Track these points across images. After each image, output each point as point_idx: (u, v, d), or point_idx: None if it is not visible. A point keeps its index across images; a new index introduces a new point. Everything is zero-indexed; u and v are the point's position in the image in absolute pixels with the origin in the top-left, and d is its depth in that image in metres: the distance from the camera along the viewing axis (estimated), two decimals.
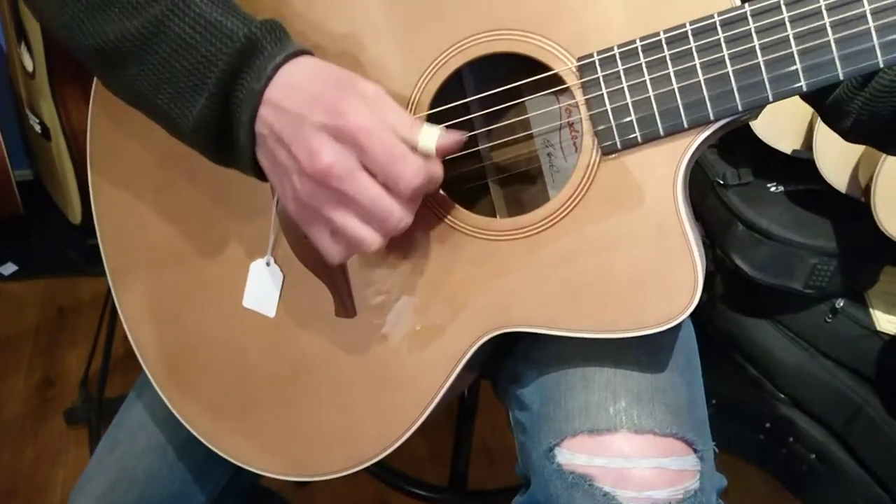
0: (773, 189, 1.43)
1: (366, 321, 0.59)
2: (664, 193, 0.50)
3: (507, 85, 0.56)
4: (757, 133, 1.36)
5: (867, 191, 1.20)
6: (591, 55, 0.50)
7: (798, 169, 1.35)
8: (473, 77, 0.61)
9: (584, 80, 0.50)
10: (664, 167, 0.50)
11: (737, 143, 1.46)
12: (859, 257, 1.31)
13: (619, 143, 0.50)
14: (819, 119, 1.20)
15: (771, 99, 0.47)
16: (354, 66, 0.56)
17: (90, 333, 1.44)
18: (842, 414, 1.38)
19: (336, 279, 0.58)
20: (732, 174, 1.45)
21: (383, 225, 0.48)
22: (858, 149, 1.22)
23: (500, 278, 0.55)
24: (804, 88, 0.46)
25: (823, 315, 1.37)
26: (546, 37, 0.51)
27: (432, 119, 0.55)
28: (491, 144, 0.62)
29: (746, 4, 0.46)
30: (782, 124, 1.35)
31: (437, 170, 0.50)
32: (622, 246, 0.51)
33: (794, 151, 1.36)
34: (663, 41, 0.48)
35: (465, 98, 0.58)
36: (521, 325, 0.54)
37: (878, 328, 1.33)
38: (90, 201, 0.68)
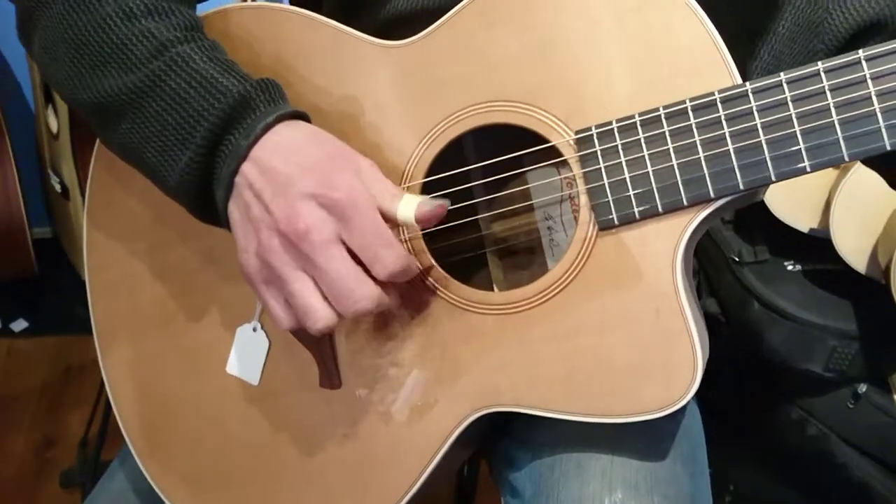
0: (790, 268, 1.40)
1: (351, 394, 0.56)
2: (663, 272, 0.48)
3: (507, 155, 0.55)
4: (773, 211, 1.34)
5: (887, 272, 1.17)
6: (589, 128, 0.49)
7: (816, 247, 1.32)
8: (475, 146, 0.60)
9: (581, 153, 0.49)
10: (663, 245, 0.48)
11: (753, 219, 1.44)
12: (881, 340, 1.26)
13: (616, 219, 0.48)
14: (836, 197, 1.18)
15: (773, 178, 0.45)
16: (352, 131, 0.55)
17: (95, 394, 1.42)
18: None
19: (322, 348, 0.56)
20: (748, 251, 1.42)
21: (341, 302, 0.46)
22: (877, 229, 1.20)
23: (491, 354, 0.52)
24: (808, 169, 0.44)
25: (846, 400, 1.32)
26: (544, 109, 0.51)
27: (432, 187, 0.54)
28: (490, 214, 0.61)
29: (748, 83, 0.45)
30: (799, 202, 1.33)
31: (415, 263, 0.50)
32: (618, 326, 0.49)
33: (811, 230, 1.33)
34: (663, 116, 0.47)
35: (466, 166, 0.57)
36: (512, 404, 0.52)
37: None
38: None
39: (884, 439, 1.28)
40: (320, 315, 0.47)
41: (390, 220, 0.48)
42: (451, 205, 0.55)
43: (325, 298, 0.47)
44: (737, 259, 1.42)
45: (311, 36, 0.57)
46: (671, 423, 0.57)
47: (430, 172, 0.54)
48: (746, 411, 1.44)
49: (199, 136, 0.49)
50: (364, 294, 0.46)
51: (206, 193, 0.51)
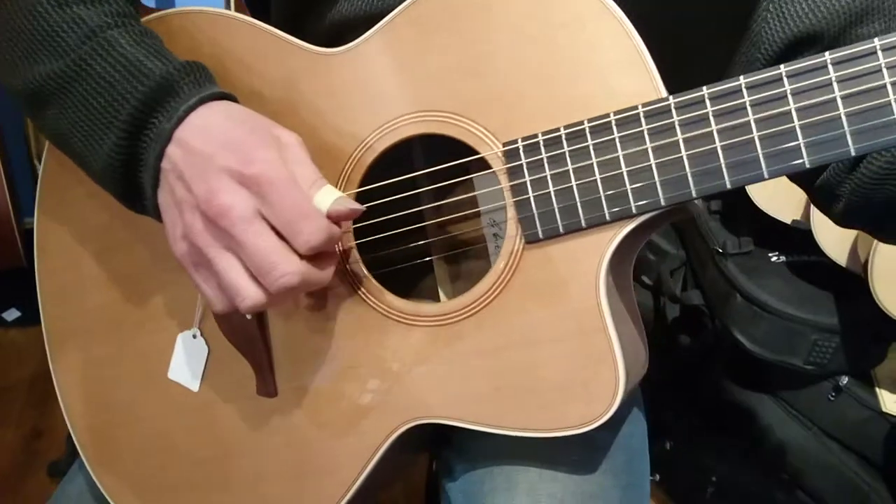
0: (774, 259, 1.38)
1: (287, 402, 0.57)
2: (587, 288, 0.47)
3: (449, 163, 0.54)
4: (756, 202, 1.32)
5: (866, 266, 1.16)
6: (515, 141, 0.48)
7: (801, 239, 1.31)
8: (423, 152, 0.59)
9: (508, 165, 0.49)
10: (587, 260, 0.47)
11: (739, 210, 1.43)
12: (862, 334, 1.25)
13: (541, 233, 0.48)
14: None
15: (694, 195, 0.44)
16: (299, 132, 0.55)
17: None
18: (850, 500, 1.30)
19: (258, 355, 0.56)
20: (733, 243, 1.41)
21: (266, 278, 0.45)
22: None
23: (421, 367, 0.52)
24: (728, 185, 0.44)
25: (826, 393, 1.31)
26: (475, 121, 0.50)
27: (377, 193, 0.54)
28: (436, 221, 0.61)
29: (671, 97, 0.45)
30: (782, 194, 1.32)
31: (337, 231, 0.48)
32: (543, 341, 0.49)
33: (793, 222, 1.32)
34: (587, 130, 0.46)
35: (413, 172, 0.56)
36: (440, 417, 0.52)
37: (884, 409, 1.26)
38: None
39: (864, 432, 1.27)
40: (246, 293, 0.46)
41: None
42: (397, 211, 0.55)
43: (253, 276, 0.46)
44: (720, 251, 1.40)
45: (252, 42, 0.57)
46: (605, 433, 0.56)
47: (365, 179, 0.54)
48: (729, 402, 1.43)
49: (121, 119, 0.48)
50: (287, 269, 0.45)
51: (132, 179, 0.50)
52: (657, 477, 1.54)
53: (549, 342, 0.48)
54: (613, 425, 0.59)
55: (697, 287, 1.50)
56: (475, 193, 0.61)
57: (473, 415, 0.51)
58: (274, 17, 0.67)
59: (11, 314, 1.79)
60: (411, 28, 0.51)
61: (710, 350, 1.45)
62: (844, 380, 1.29)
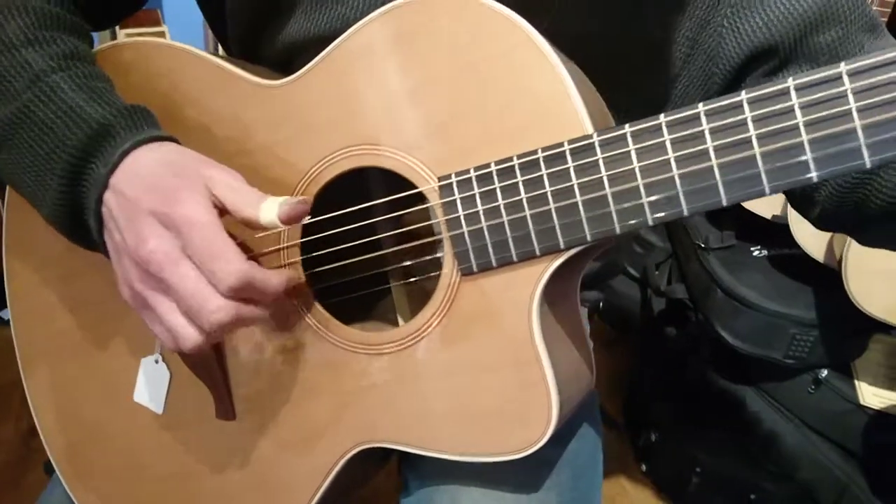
0: (755, 253, 1.39)
1: (246, 425, 0.59)
2: (520, 320, 0.49)
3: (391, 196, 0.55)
4: None
5: (841, 261, 1.16)
6: (449, 176, 0.50)
7: (782, 233, 1.31)
8: (382, 179, 0.60)
9: (443, 200, 0.50)
10: (520, 293, 0.49)
11: None
12: (841, 328, 1.26)
13: (475, 266, 0.49)
14: None
15: (618, 231, 0.45)
16: (237, 168, 0.56)
17: None
18: (830, 491, 1.32)
19: (216, 381, 0.58)
20: (715, 237, 1.42)
21: (198, 318, 0.46)
22: None
23: (370, 393, 0.54)
24: (650, 223, 0.45)
25: (807, 386, 1.33)
26: (412, 154, 0.51)
27: (333, 222, 0.55)
28: (394, 250, 0.62)
29: (595, 133, 0.46)
30: None
31: (270, 279, 0.48)
32: (479, 370, 0.50)
33: (773, 217, 1.32)
34: (517, 166, 0.47)
35: (369, 200, 0.57)
36: (387, 441, 0.53)
37: (863, 402, 1.27)
38: None
39: (843, 424, 1.29)
40: (185, 334, 0.47)
41: (258, 227, 0.48)
42: (352, 240, 0.56)
43: (186, 315, 0.47)
44: (703, 245, 1.41)
45: (198, 73, 0.58)
46: (551, 450, 0.58)
47: (312, 210, 0.55)
48: (713, 395, 1.45)
49: (61, 166, 0.50)
50: (214, 307, 0.45)
51: (79, 222, 0.52)
52: (644, 467, 1.57)
53: (486, 371, 0.50)
54: (560, 442, 0.60)
55: (682, 280, 1.51)
56: (432, 222, 0.62)
57: (417, 439, 0.52)
58: (230, 39, 0.68)
59: (7, 313, 1.82)
60: (348, 61, 0.52)
61: (695, 343, 1.47)
62: (824, 373, 1.31)
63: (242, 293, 0.46)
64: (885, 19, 1.21)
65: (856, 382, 1.31)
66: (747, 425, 1.40)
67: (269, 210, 0.47)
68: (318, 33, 0.59)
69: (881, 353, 1.34)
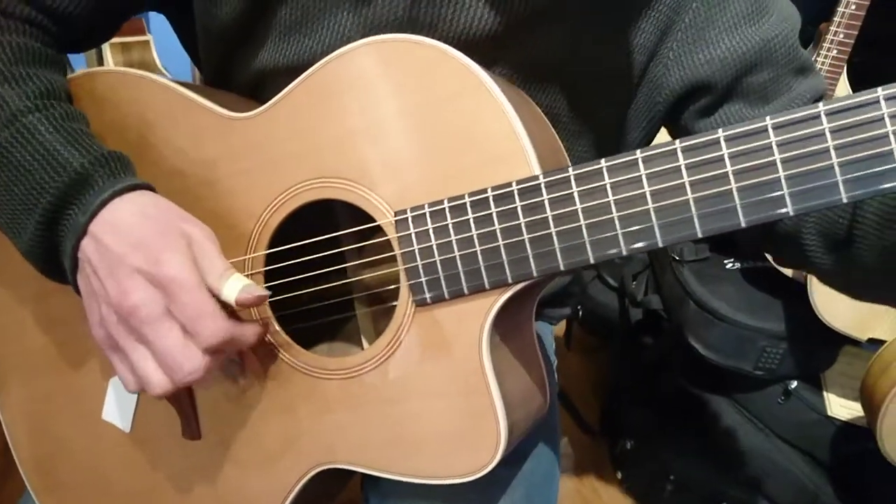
0: (729, 266, 1.42)
1: (211, 446, 0.60)
2: (470, 350, 0.51)
3: (352, 229, 0.57)
4: None
5: (806, 276, 1.19)
6: (405, 211, 0.52)
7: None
8: (350, 211, 0.62)
9: (399, 234, 0.52)
10: (471, 324, 0.51)
11: None
12: (808, 341, 1.29)
13: (428, 298, 0.51)
14: None
15: (562, 268, 0.47)
16: (205, 197, 0.58)
17: None
18: (799, 500, 1.35)
19: (182, 401, 0.60)
20: (690, 250, 1.44)
21: (172, 374, 0.49)
22: None
23: (328, 416, 0.56)
24: (591, 261, 0.47)
25: (777, 397, 1.35)
26: (370, 188, 0.53)
27: (308, 249, 0.56)
28: (357, 279, 0.64)
29: (541, 175, 0.48)
30: None
31: (246, 333, 0.52)
32: (432, 397, 0.52)
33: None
34: (468, 204, 0.49)
35: (335, 229, 0.59)
36: (346, 462, 0.55)
37: (830, 413, 1.30)
38: None
39: (811, 434, 1.32)
40: (156, 383, 0.50)
41: (217, 295, 0.51)
42: (318, 267, 0.57)
43: (160, 367, 0.50)
44: (677, 258, 1.44)
45: (167, 104, 0.59)
46: (505, 470, 0.60)
47: (274, 239, 0.57)
48: (687, 404, 1.48)
49: (39, 211, 0.52)
50: (191, 367, 0.49)
51: (54, 262, 0.54)
52: (620, 475, 1.59)
53: (439, 397, 0.52)
54: (513, 462, 0.62)
55: (657, 291, 1.54)
56: (390, 254, 0.64)
57: (373, 461, 0.54)
58: (203, 65, 0.70)
59: None
60: (311, 96, 0.54)
61: (669, 353, 1.49)
62: (794, 384, 1.34)
63: (222, 348, 0.50)
64: (845, 58, 1.24)
65: (825, 394, 1.34)
66: (719, 434, 1.43)
67: (231, 288, 0.50)
68: (286, 64, 0.61)
69: (850, 366, 1.36)
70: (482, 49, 0.56)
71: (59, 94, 0.58)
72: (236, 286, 0.50)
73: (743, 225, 0.43)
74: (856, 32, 1.20)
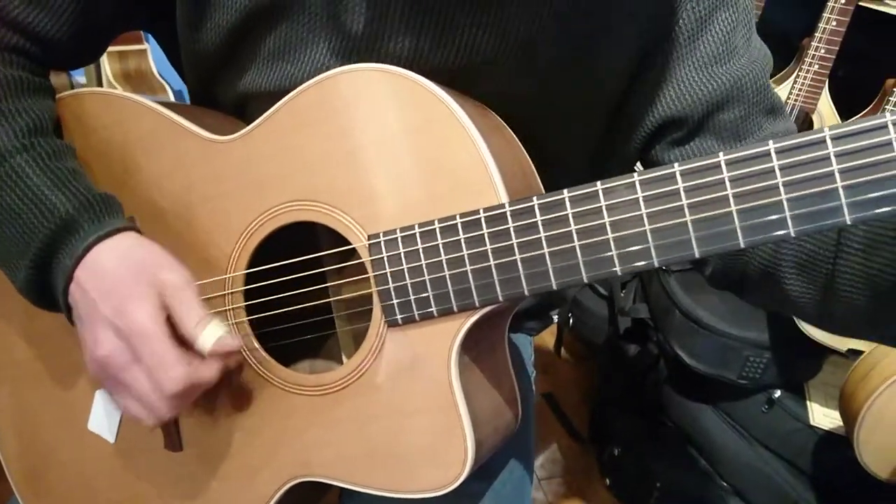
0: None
1: (192, 458, 0.62)
2: (440, 370, 0.53)
3: (328, 251, 0.59)
4: None
5: None
6: (378, 235, 0.53)
7: None
8: (329, 232, 0.63)
9: (372, 257, 0.54)
10: (440, 345, 0.53)
11: None
12: (791, 351, 1.31)
13: (399, 319, 0.53)
14: None
15: (526, 294, 0.49)
16: (185, 219, 0.60)
17: None
18: None
19: None
20: None
21: (150, 413, 0.53)
22: None
23: (304, 431, 0.58)
24: (554, 287, 0.49)
25: (760, 405, 1.37)
26: (345, 212, 0.55)
27: (288, 268, 0.58)
28: (340, 297, 0.65)
29: (507, 203, 0.49)
30: None
31: (207, 374, 0.54)
32: (403, 415, 0.54)
33: None
34: (437, 230, 0.51)
35: (318, 250, 0.60)
36: (321, 476, 0.57)
37: (813, 422, 1.32)
38: None
39: (794, 443, 1.33)
40: (144, 420, 0.54)
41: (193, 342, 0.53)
42: (297, 286, 0.59)
43: (143, 406, 0.54)
44: (664, 267, 1.46)
45: (151, 126, 0.61)
46: (475, 483, 0.62)
47: (254, 259, 0.59)
48: (672, 411, 1.50)
49: (30, 255, 0.54)
50: (163, 410, 0.53)
51: (48, 298, 0.57)
52: (608, 481, 1.61)
53: (408, 415, 0.54)
54: (484, 477, 0.64)
55: (645, 300, 1.56)
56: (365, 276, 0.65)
57: (347, 475, 0.56)
58: (188, 84, 0.72)
59: None
60: (290, 121, 0.56)
61: (655, 361, 1.51)
62: (777, 393, 1.35)
63: (186, 393, 0.52)
64: (827, 73, 1.25)
65: (808, 403, 1.36)
66: (704, 442, 1.45)
67: (207, 338, 0.53)
68: (269, 89, 0.62)
69: (833, 375, 1.38)
70: (454, 82, 0.58)
71: (45, 126, 0.60)
72: (211, 337, 0.53)
73: (697, 256, 0.45)
74: (836, 48, 1.22)
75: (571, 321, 1.80)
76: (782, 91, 1.33)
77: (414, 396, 0.54)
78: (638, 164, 0.69)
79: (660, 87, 0.61)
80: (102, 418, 0.66)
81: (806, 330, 1.21)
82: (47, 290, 0.56)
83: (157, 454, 0.64)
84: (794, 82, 1.29)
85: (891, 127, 0.39)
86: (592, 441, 1.70)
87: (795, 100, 1.29)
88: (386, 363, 0.55)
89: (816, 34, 1.23)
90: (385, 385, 0.55)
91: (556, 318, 1.89)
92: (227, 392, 0.60)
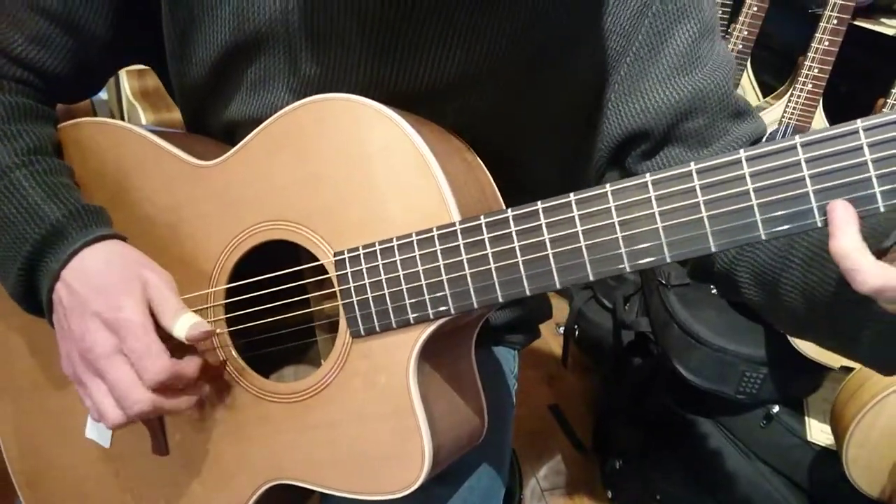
0: (713, 290, 1.45)
1: (177, 463, 0.66)
2: (399, 378, 0.56)
3: (301, 266, 0.63)
4: None
5: None
6: (343, 252, 0.57)
7: None
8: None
9: (337, 273, 0.58)
10: (400, 355, 0.56)
11: None
12: (788, 367, 1.32)
13: (362, 330, 0.57)
14: None
15: (475, 306, 0.53)
16: (171, 237, 0.65)
17: None
18: None
19: (151, 420, 0.66)
20: (677, 274, 1.48)
21: (121, 403, 0.56)
22: None
23: (277, 437, 0.61)
24: (500, 300, 0.52)
25: (759, 420, 1.38)
26: (314, 231, 0.59)
27: (266, 282, 0.62)
28: (318, 308, 0.69)
29: (458, 222, 0.53)
30: None
31: (187, 369, 0.58)
32: (367, 420, 0.57)
33: None
34: (395, 247, 0.55)
35: (300, 264, 0.64)
36: (293, 479, 0.61)
37: (810, 438, 1.32)
38: None
39: (791, 459, 1.34)
40: (109, 414, 0.57)
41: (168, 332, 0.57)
42: (277, 284, 0.63)
43: (113, 398, 0.57)
44: (664, 282, 1.47)
45: (142, 152, 0.66)
46: (441, 488, 0.65)
47: (234, 274, 0.63)
48: (673, 425, 1.51)
49: (20, 258, 0.59)
50: (137, 398, 0.56)
51: (34, 302, 0.61)
52: (609, 494, 1.62)
53: (370, 422, 0.57)
54: (451, 481, 0.68)
55: (646, 315, 1.57)
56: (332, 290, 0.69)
57: (317, 478, 0.60)
58: (181, 111, 0.77)
59: None
60: (263, 148, 0.60)
61: (656, 375, 1.52)
62: (775, 408, 1.36)
63: (167, 384, 0.56)
64: (820, 91, 1.27)
65: (806, 419, 1.36)
66: (704, 456, 1.45)
67: (181, 326, 0.57)
68: (252, 116, 0.67)
69: (833, 392, 1.38)
70: (422, 102, 0.61)
71: (45, 148, 0.65)
72: (186, 323, 0.57)
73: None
74: (829, 68, 1.24)
75: (577, 332, 1.82)
76: (777, 109, 1.34)
77: (376, 403, 0.57)
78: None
79: (624, 101, 0.64)
80: (97, 426, 0.70)
81: (798, 346, 1.22)
82: (34, 292, 0.60)
83: (145, 459, 0.68)
84: (789, 101, 1.31)
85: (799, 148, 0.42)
86: (596, 452, 1.71)
87: (790, 118, 1.31)
88: (351, 372, 0.58)
89: (809, 53, 1.25)
90: (350, 393, 0.58)
91: (561, 330, 1.91)
92: (208, 399, 0.64)
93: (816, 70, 1.24)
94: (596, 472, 1.68)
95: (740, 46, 1.45)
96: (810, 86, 1.26)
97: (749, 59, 1.48)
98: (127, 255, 0.59)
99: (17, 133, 0.63)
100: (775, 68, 1.63)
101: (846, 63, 1.27)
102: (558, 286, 0.50)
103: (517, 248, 0.51)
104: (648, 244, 0.48)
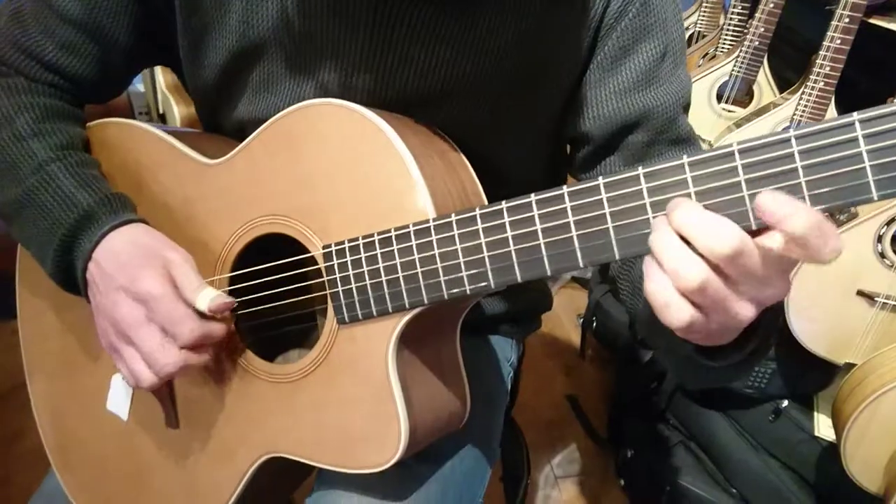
0: None
1: (186, 433, 0.73)
2: (379, 363, 0.61)
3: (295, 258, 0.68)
4: None
5: (784, 302, 1.23)
6: (330, 245, 0.62)
7: None
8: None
9: (325, 264, 0.63)
10: (380, 341, 0.61)
11: None
12: (796, 362, 1.33)
13: (346, 318, 0.62)
14: None
15: (446, 297, 0.57)
16: (185, 228, 0.70)
17: None
18: None
19: (163, 394, 0.72)
20: None
21: (153, 367, 0.62)
22: None
23: (274, 414, 0.67)
24: (468, 292, 0.56)
25: (767, 415, 1.39)
26: (306, 225, 0.64)
27: (266, 270, 0.68)
28: (318, 294, 0.75)
29: (431, 220, 0.57)
30: None
31: (215, 329, 0.64)
32: (349, 402, 0.63)
33: None
34: (376, 241, 0.60)
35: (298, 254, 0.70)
36: (286, 452, 0.66)
37: (818, 433, 1.34)
38: None
39: (798, 453, 1.35)
40: (142, 377, 0.63)
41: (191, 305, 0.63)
42: (276, 286, 0.69)
43: (146, 363, 0.63)
44: None
45: (157, 151, 0.72)
46: (423, 467, 0.70)
47: (237, 263, 0.69)
48: (683, 417, 1.53)
49: (56, 241, 0.65)
50: (167, 360, 0.61)
51: (71, 282, 0.68)
52: (622, 483, 1.65)
53: (353, 403, 0.62)
54: (434, 460, 0.72)
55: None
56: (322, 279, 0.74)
57: (308, 452, 0.65)
58: (197, 112, 0.83)
59: None
60: (261, 149, 0.66)
61: (665, 369, 1.55)
62: (784, 403, 1.37)
63: (198, 343, 0.62)
64: (832, 90, 1.27)
65: (815, 414, 1.37)
66: (713, 448, 1.47)
67: (203, 299, 0.63)
68: (258, 116, 0.73)
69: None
70: (410, 111, 0.66)
71: (76, 144, 0.71)
72: (208, 296, 0.62)
73: (581, 265, 0.52)
74: (841, 66, 1.24)
75: (595, 325, 1.85)
76: (789, 106, 1.35)
77: (358, 385, 0.62)
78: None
79: (581, 106, 0.68)
80: (118, 399, 0.77)
81: (804, 343, 1.23)
82: (71, 272, 0.67)
83: (158, 431, 0.74)
84: (801, 98, 1.31)
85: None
86: (611, 443, 1.74)
87: (801, 116, 1.32)
88: (336, 357, 0.63)
89: (821, 52, 1.25)
90: (336, 375, 0.63)
91: (579, 321, 1.94)
92: (212, 376, 0.70)
93: (828, 68, 1.25)
94: (610, 462, 1.71)
95: (757, 43, 1.45)
96: (822, 83, 1.26)
97: (766, 56, 1.48)
98: (150, 236, 0.66)
99: (52, 131, 0.70)
100: (798, 64, 1.63)
101: (861, 60, 1.27)
102: (520, 280, 0.54)
103: (483, 244, 0.55)
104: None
